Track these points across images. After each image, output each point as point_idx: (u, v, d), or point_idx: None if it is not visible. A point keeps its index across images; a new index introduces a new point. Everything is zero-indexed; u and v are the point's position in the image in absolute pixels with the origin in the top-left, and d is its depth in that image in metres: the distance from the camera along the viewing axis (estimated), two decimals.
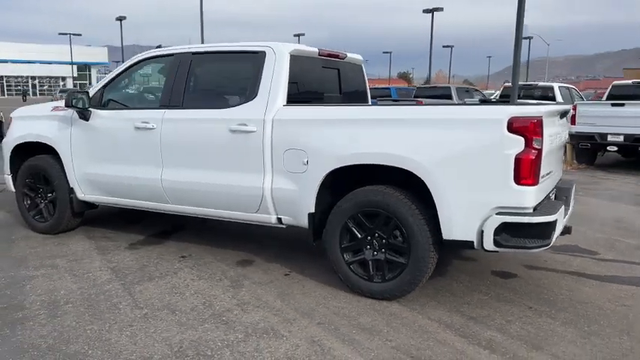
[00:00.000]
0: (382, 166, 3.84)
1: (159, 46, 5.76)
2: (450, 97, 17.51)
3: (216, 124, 4.45)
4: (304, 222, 4.20)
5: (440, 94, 18.04)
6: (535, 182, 3.46)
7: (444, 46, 60.45)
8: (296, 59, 4.41)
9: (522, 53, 13.46)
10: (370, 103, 5.76)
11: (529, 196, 3.47)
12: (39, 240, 5.39)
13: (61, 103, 5.47)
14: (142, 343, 3.27)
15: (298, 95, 4.51)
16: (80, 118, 5.15)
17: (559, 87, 15.36)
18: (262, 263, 4.74)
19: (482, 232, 3.54)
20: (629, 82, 12.74)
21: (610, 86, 12.88)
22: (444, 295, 4.03)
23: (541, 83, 17.20)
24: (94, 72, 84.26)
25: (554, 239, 3.59)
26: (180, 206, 4.83)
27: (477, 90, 22.50)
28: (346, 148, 3.90)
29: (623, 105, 10.51)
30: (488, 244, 3.54)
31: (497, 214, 3.50)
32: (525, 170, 3.43)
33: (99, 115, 5.09)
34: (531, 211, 3.51)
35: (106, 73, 55.35)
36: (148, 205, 5.04)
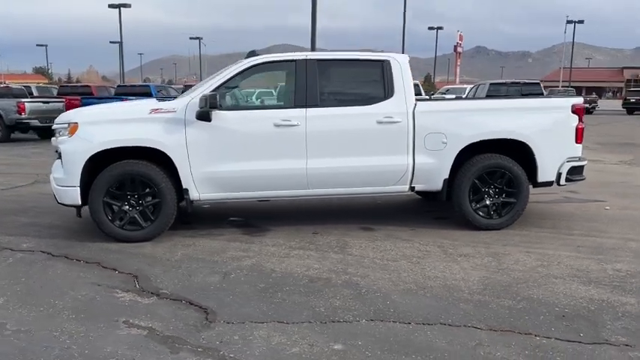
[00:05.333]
0: (496, 139, 5.79)
1: (252, 52, 5.89)
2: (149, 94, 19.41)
3: (364, 118, 5.59)
4: (438, 186, 5.80)
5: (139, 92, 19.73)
6: (582, 142, 6.02)
7: (111, 42, 59.19)
8: None
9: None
10: None
11: (580, 150, 6.01)
12: (169, 247, 5.28)
13: (159, 104, 5.46)
14: (447, 270, 4.54)
15: None
16: (200, 119, 5.34)
17: None
18: (381, 227, 6.00)
19: (560, 173, 5.92)
20: None
21: None
22: (518, 226, 6.16)
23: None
24: None
25: None
26: (320, 189, 5.67)
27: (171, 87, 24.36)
28: (480, 129, 5.71)
29: None
30: (563, 180, 5.95)
31: (567, 161, 5.93)
32: (580, 135, 5.95)
33: (223, 116, 5.40)
34: (579, 159, 6.06)
35: None
36: (281, 193, 5.66)
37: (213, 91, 5.41)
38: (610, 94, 77.38)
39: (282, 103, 5.84)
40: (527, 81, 16.72)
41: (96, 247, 5.25)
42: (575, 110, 5.90)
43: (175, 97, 5.98)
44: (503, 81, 16.29)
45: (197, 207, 6.72)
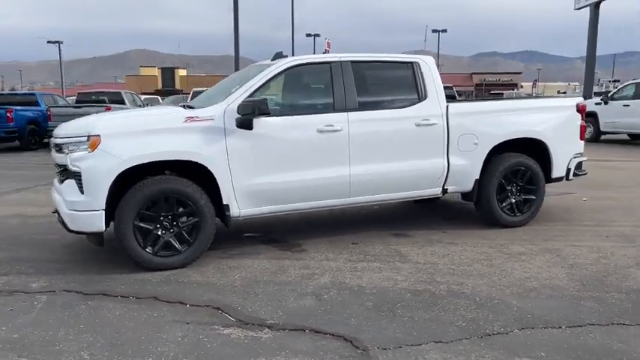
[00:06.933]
0: (520, 138, 5.95)
1: (279, 53, 5.27)
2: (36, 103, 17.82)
3: (403, 121, 5.45)
4: (469, 187, 5.83)
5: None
6: (584, 139, 6.41)
7: None
8: None
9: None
10: None
11: (583, 146, 6.40)
12: (215, 271, 4.67)
13: (193, 112, 4.87)
14: (530, 270, 4.56)
15: None
16: (242, 127, 4.84)
17: (124, 93, 19.34)
18: (412, 233, 5.86)
19: (569, 169, 6.26)
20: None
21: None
22: (533, 221, 6.37)
23: (111, 90, 20.26)
24: None
25: None
26: (362, 197, 5.41)
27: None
28: (507, 128, 5.83)
29: (81, 107, 15.31)
30: (570, 175, 6.29)
31: (574, 157, 6.28)
32: (583, 132, 6.33)
33: (265, 123, 4.94)
34: (581, 154, 6.44)
35: None
36: (323, 203, 5.30)
37: (250, 96, 4.93)
38: (463, 97, 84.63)
39: (319, 108, 5.40)
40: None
41: (130, 279, 4.50)
42: (579, 109, 6.26)
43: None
44: None
45: None
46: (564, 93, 49.47)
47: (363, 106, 5.34)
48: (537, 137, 5.98)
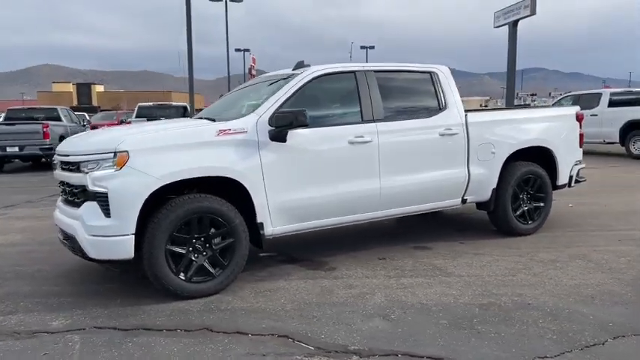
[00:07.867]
0: (531, 147, 6.02)
1: (301, 62, 4.90)
2: None
3: (428, 131, 5.36)
4: (487, 197, 5.82)
5: None
6: (582, 146, 6.60)
7: None
8: None
9: None
10: None
11: (581, 153, 6.59)
12: (255, 295, 4.30)
13: (226, 124, 4.52)
14: (577, 277, 4.57)
15: None
16: (275, 139, 4.56)
17: (60, 109, 17.94)
18: (432, 245, 5.74)
19: (572, 176, 6.42)
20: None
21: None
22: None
23: (45, 106, 19.50)
24: None
25: None
26: (390, 210, 5.23)
27: None
28: (521, 137, 5.89)
29: (14, 124, 14.88)
30: (572, 183, 6.46)
31: (575, 165, 6.45)
32: (581, 139, 6.52)
33: (298, 136, 4.68)
34: (580, 161, 6.63)
35: None
36: (354, 218, 5.07)
37: (280, 107, 4.65)
38: None
39: (346, 118, 5.15)
40: None
41: (166, 310, 4.06)
42: (578, 118, 6.44)
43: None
44: None
45: None
46: (486, 106, 51.92)
47: (389, 117, 5.19)
48: (547, 145, 6.08)
